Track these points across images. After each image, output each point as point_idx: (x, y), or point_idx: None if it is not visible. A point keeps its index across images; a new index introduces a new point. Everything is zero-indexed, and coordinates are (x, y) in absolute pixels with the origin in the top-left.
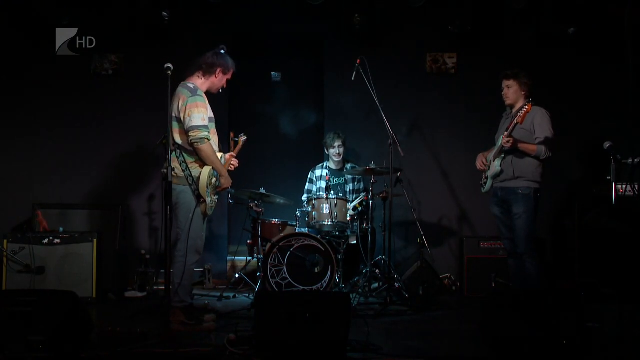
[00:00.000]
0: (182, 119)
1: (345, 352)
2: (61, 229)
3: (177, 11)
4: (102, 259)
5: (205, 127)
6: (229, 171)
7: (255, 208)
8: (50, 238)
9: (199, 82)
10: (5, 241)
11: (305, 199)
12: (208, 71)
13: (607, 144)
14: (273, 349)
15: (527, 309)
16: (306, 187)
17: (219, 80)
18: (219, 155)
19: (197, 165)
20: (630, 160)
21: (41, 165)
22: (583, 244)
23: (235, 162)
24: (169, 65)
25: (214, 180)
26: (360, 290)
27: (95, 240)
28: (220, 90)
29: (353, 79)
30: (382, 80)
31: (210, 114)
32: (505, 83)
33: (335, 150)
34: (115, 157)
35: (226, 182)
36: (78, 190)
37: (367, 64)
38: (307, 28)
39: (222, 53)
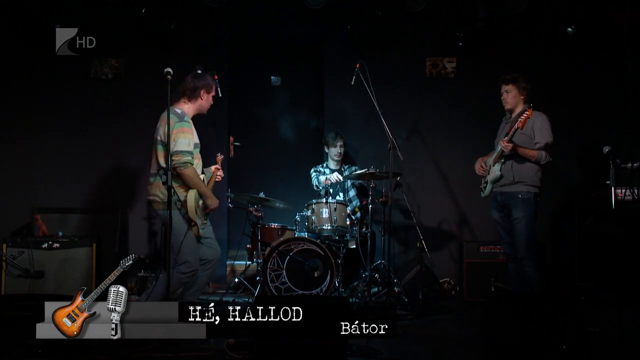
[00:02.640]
0: (166, 142)
1: (345, 356)
2: (60, 233)
3: (177, 16)
4: (101, 263)
5: (190, 152)
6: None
7: (254, 212)
8: (50, 242)
9: (186, 108)
10: (4, 245)
11: (320, 178)
12: (192, 95)
13: (606, 149)
14: (272, 353)
15: (527, 313)
16: (314, 175)
17: (205, 100)
18: (202, 177)
19: (183, 189)
20: (630, 165)
21: (40, 170)
22: (583, 248)
23: (220, 173)
24: (169, 69)
25: (200, 202)
26: (359, 295)
27: (94, 245)
28: (208, 108)
29: (352, 83)
30: (382, 85)
31: (196, 139)
32: (504, 88)
33: (336, 150)
34: (115, 162)
35: (212, 202)
36: (77, 195)
37: (367, 68)
38: (307, 32)
39: (200, 74)
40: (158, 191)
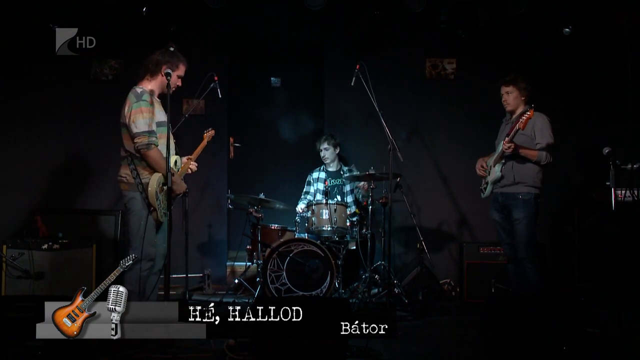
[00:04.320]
0: (127, 125)
1: (344, 356)
2: (60, 235)
3: (177, 17)
4: (101, 263)
5: (152, 132)
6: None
7: (254, 213)
8: (50, 243)
9: (148, 86)
10: (4, 246)
11: (300, 205)
12: (154, 71)
13: (606, 150)
14: (272, 354)
15: (527, 314)
16: (304, 190)
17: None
18: (175, 158)
19: (147, 172)
20: (629, 166)
21: (40, 171)
22: (583, 249)
23: (193, 165)
24: (169, 70)
25: (165, 187)
26: (359, 296)
27: (94, 246)
28: (173, 89)
29: (352, 84)
30: (382, 86)
31: (162, 117)
32: (505, 89)
33: (322, 153)
34: (115, 163)
35: (178, 187)
36: (77, 196)
37: (367, 70)
38: (307, 34)
39: (169, 50)
40: (124, 172)
